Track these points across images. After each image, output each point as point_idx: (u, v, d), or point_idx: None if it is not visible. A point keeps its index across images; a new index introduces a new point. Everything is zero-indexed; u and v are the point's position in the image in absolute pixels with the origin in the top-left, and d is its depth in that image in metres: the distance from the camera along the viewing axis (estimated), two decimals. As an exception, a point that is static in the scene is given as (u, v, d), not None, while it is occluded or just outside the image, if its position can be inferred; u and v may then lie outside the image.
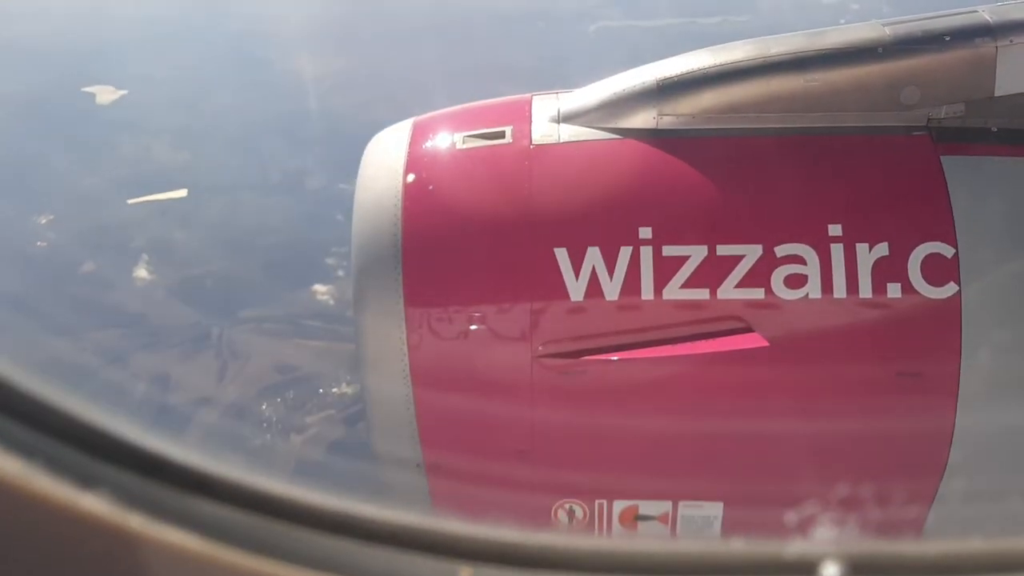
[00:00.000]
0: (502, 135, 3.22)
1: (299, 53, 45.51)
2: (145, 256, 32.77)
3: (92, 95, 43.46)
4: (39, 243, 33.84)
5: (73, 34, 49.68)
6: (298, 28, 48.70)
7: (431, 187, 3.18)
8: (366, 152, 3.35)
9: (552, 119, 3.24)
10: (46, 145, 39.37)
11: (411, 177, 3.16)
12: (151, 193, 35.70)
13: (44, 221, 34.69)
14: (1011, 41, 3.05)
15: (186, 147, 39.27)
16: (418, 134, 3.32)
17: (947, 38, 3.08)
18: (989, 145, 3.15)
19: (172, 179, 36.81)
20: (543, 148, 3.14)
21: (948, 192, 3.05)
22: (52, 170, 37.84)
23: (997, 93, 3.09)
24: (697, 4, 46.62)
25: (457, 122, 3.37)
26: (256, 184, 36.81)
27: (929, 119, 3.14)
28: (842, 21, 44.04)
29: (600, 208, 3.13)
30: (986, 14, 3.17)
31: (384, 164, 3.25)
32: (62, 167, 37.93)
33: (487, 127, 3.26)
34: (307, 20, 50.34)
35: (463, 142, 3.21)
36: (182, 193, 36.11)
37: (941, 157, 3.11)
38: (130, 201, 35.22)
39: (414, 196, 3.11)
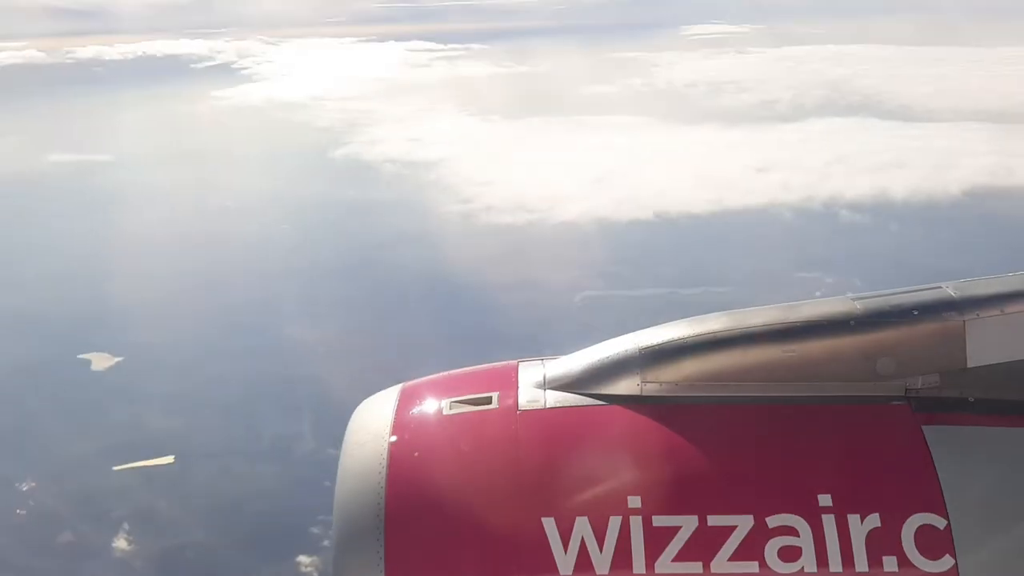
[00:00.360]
0: (488, 401, 3.21)
1: (294, 319, 47.56)
2: (126, 525, 32.11)
3: (88, 361, 44.26)
4: (18, 511, 33.19)
5: (73, 301, 51.52)
6: (292, 294, 51.14)
7: (416, 454, 3.12)
8: (353, 418, 3.32)
9: (538, 385, 3.26)
10: (38, 411, 39.81)
11: (397, 443, 3.12)
12: (138, 460, 35.69)
13: (26, 488, 34.25)
14: (977, 315, 3.15)
15: (178, 413, 39.32)
16: (405, 400, 3.29)
17: (915, 312, 3.19)
18: (968, 415, 3.20)
19: (161, 445, 36.71)
20: (529, 414, 3.16)
21: (933, 462, 3.06)
22: (41, 436, 37.84)
23: (970, 364, 3.17)
24: (678, 275, 49.86)
25: (444, 388, 3.35)
26: (245, 450, 36.85)
27: (907, 389, 3.21)
28: (817, 294, 47.07)
29: (588, 476, 3.05)
30: (950, 290, 3.26)
31: (370, 430, 3.21)
32: (51, 433, 37.90)
33: (474, 393, 3.25)
34: (301, 286, 53.27)
35: (450, 408, 3.21)
36: (169, 459, 36.08)
37: (922, 427, 3.14)
38: (116, 468, 35.06)
39: (399, 463, 3.08)
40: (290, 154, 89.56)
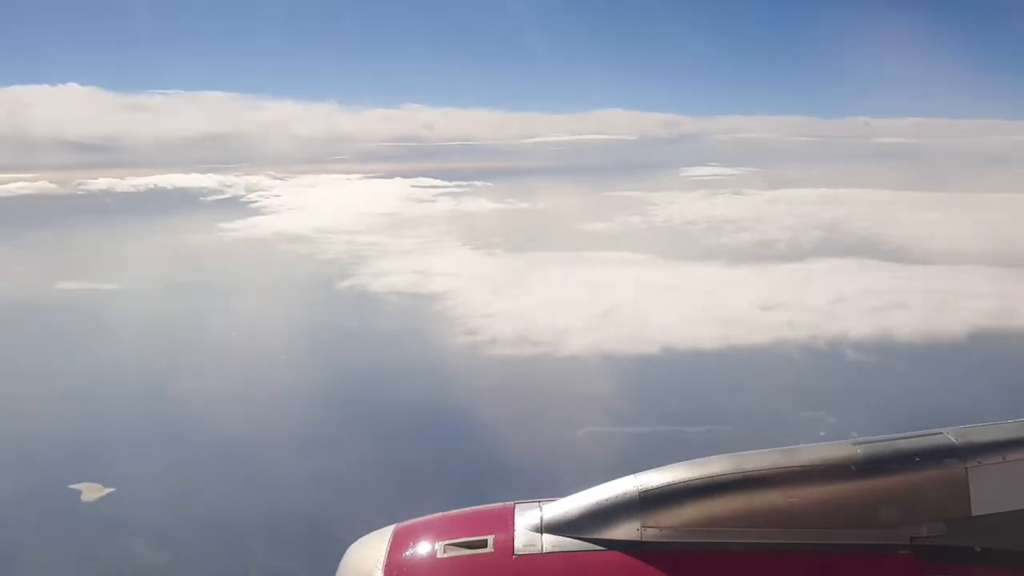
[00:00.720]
0: (484, 544, 3.11)
1: (290, 451, 46.46)
2: None
3: (79, 492, 43.09)
4: None
5: (68, 428, 50.57)
6: (290, 426, 50.14)
7: None
8: (343, 560, 3.26)
9: (535, 528, 3.17)
10: (26, 542, 38.26)
11: None
12: None
13: None
14: (979, 462, 3.10)
15: (168, 547, 37.98)
16: (398, 541, 3.21)
17: (917, 458, 3.13)
18: (975, 566, 3.11)
19: None
20: (526, 559, 3.06)
21: None
22: (28, 569, 36.57)
23: (975, 513, 3.10)
24: (682, 412, 49.41)
25: (438, 530, 3.24)
26: None
27: (912, 538, 3.13)
28: (821, 434, 47.06)
29: None
30: (951, 436, 3.22)
31: (361, 573, 3.14)
32: (39, 566, 36.60)
33: (469, 535, 3.15)
34: (300, 417, 52.44)
35: (444, 550, 3.11)
36: None
37: None
38: None
39: None
40: (296, 285, 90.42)
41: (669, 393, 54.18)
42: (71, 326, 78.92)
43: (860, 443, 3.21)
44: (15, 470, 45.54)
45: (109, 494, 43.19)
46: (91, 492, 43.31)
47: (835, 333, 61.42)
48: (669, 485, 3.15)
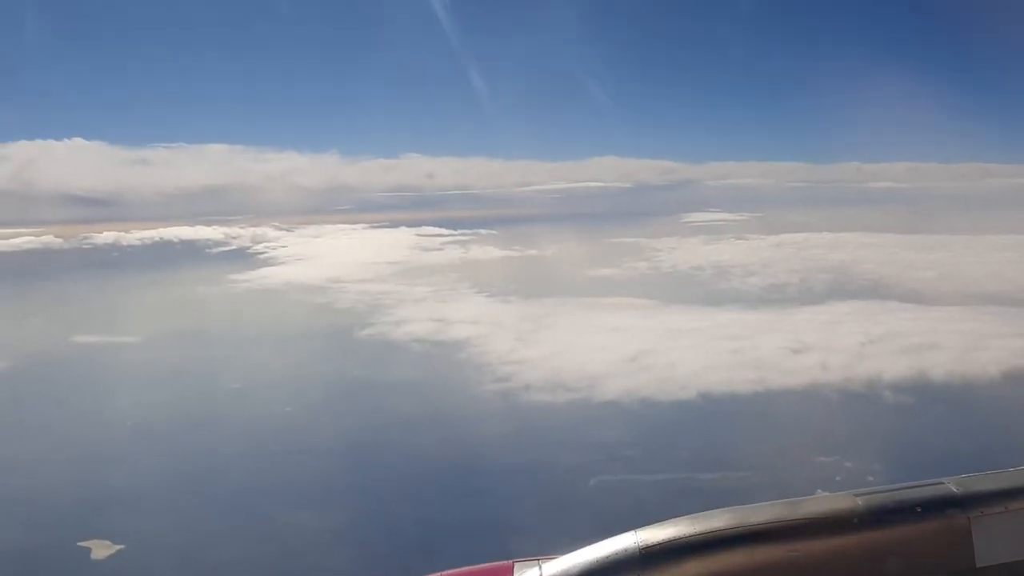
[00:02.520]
0: None
1: (306, 503, 45.80)
2: None
3: (88, 549, 42.48)
4: None
5: (77, 483, 49.71)
6: (308, 477, 49.42)
7: None
8: None
9: None
10: None
11: None
12: None
13: None
14: (982, 512, 3.08)
15: None
16: None
17: (919, 509, 3.10)
18: None
19: None
20: None
21: None
22: None
23: (979, 564, 3.08)
24: (695, 460, 49.18)
25: None
26: None
27: None
28: (837, 479, 46.92)
29: None
30: (952, 486, 3.19)
31: None
32: None
33: None
34: (321, 467, 51.67)
35: None
36: None
37: None
38: None
39: None
40: (316, 335, 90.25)
41: (687, 439, 53.98)
42: (91, 379, 78.43)
43: (861, 494, 3.19)
44: (23, 525, 44.86)
45: (119, 551, 42.55)
46: (101, 550, 42.65)
47: (870, 375, 61.54)
48: (670, 541, 3.10)
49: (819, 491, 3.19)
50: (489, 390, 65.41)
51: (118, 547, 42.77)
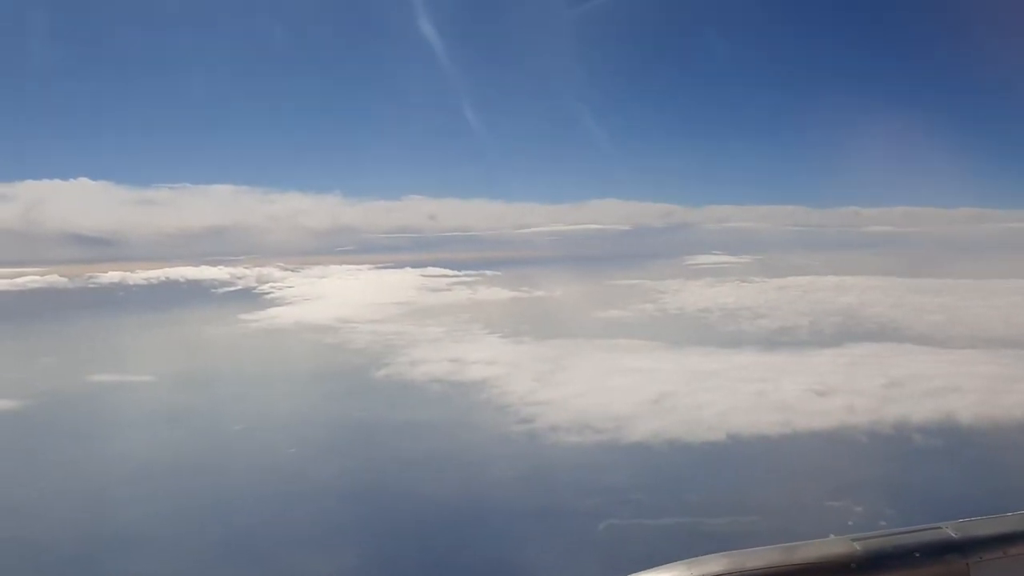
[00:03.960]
0: None
1: (303, 547, 44.87)
2: None
3: None
4: None
5: (75, 528, 47.98)
6: (296, 523, 48.78)
7: None
8: None
9: None
10: None
11: None
12: None
13: None
14: (980, 558, 3.06)
15: None
16: None
17: (917, 554, 3.09)
18: None
19: None
20: None
21: None
22: None
23: None
24: (704, 504, 48.77)
25: None
26: None
27: None
28: (850, 524, 46.59)
29: None
30: (950, 530, 3.18)
31: None
32: None
33: None
34: (344, 508, 51.54)
35: None
36: None
37: None
38: None
39: None
40: (331, 375, 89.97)
41: (724, 481, 53.66)
42: (105, 418, 77.73)
43: (859, 539, 3.17)
44: (31, 567, 44.33)
45: None
46: None
47: (896, 418, 61.43)
48: None
49: (831, 536, 3.13)
50: (514, 431, 65.10)
51: None
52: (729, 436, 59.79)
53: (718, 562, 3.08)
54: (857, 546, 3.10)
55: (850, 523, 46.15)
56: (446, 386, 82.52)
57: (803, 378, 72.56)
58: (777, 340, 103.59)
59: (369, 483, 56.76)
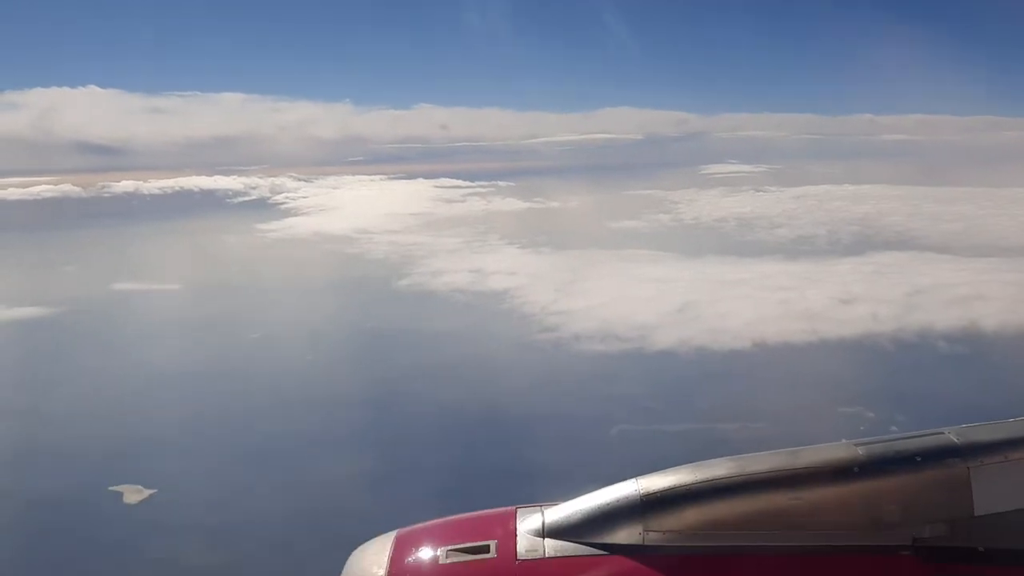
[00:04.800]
0: (487, 549, 3.12)
1: (326, 452, 46.32)
2: None
3: (119, 494, 43.15)
4: None
5: (104, 431, 50.64)
6: (319, 431, 49.99)
7: None
8: (347, 565, 3.23)
9: (536, 533, 3.17)
10: (72, 545, 38.19)
11: None
12: None
13: None
14: (981, 462, 3.08)
15: (218, 548, 37.73)
16: (400, 547, 3.20)
17: (918, 459, 3.11)
18: (978, 567, 3.10)
19: None
20: (528, 563, 3.06)
21: None
22: (76, 572, 36.40)
23: (977, 513, 3.08)
24: (714, 410, 49.42)
25: (441, 535, 3.24)
26: None
27: (914, 538, 3.12)
28: (861, 428, 47.20)
29: None
30: (952, 436, 3.20)
31: None
32: (87, 569, 36.53)
33: (471, 541, 3.16)
34: (329, 424, 52.03)
35: (446, 556, 3.11)
36: None
37: None
38: None
39: None
40: (353, 285, 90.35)
41: (740, 389, 53.85)
42: (131, 326, 78.59)
43: (862, 444, 3.22)
44: (54, 472, 45.59)
45: (151, 496, 43.14)
46: (132, 494, 43.28)
47: (922, 325, 61.71)
48: (671, 489, 3.15)
49: (843, 440, 3.18)
50: (538, 340, 65.65)
51: (150, 492, 43.46)
52: (755, 344, 60.21)
53: (723, 466, 3.17)
54: (859, 450, 3.16)
55: (862, 428, 46.74)
56: (468, 296, 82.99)
57: (827, 287, 72.61)
58: (796, 249, 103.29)
59: (392, 390, 57.42)
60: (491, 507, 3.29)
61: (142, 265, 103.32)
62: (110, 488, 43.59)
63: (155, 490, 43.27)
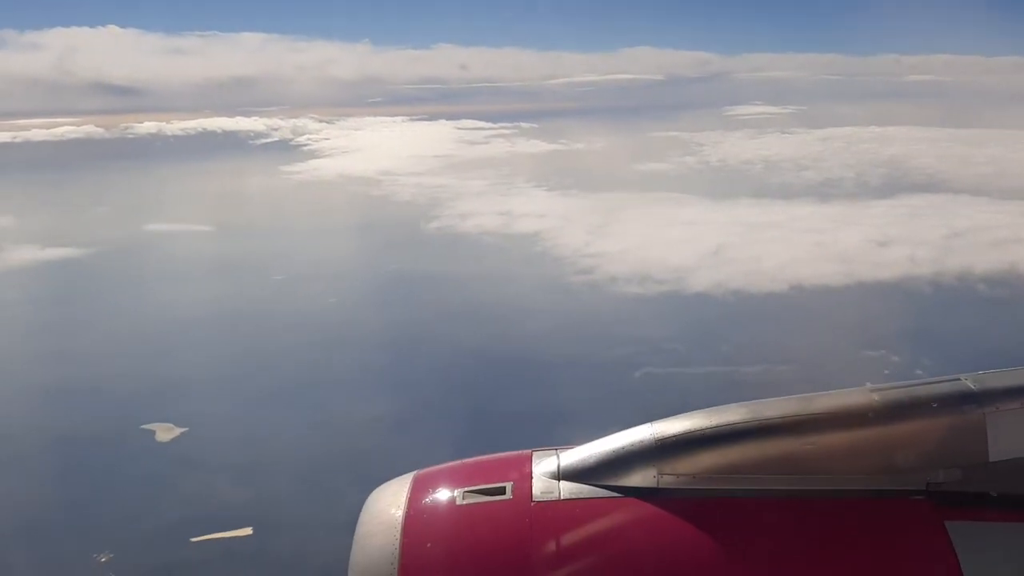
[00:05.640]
0: (502, 491, 3.14)
1: (350, 395, 47.02)
2: None
3: (152, 432, 43.99)
4: None
5: (135, 370, 51.66)
6: (346, 372, 50.78)
7: (429, 545, 3.04)
8: (365, 507, 3.25)
9: (552, 476, 3.19)
10: (106, 481, 39.23)
11: (408, 535, 3.04)
12: (215, 531, 35.14)
13: (104, 559, 33.34)
14: (997, 408, 3.07)
15: (248, 484, 38.55)
16: (417, 489, 3.21)
17: (934, 404, 3.09)
18: (991, 511, 3.09)
19: (236, 517, 35.96)
20: (544, 505, 3.08)
21: (958, 560, 2.96)
22: (111, 507, 37.07)
23: (991, 459, 3.06)
24: (740, 353, 49.49)
25: (457, 477, 3.25)
26: (325, 522, 34.56)
27: (928, 483, 3.10)
28: (886, 372, 47.10)
29: (604, 570, 2.96)
30: (969, 382, 3.16)
31: (382, 520, 3.13)
32: (122, 504, 37.32)
33: (487, 482, 3.18)
34: (356, 365, 52.37)
35: (463, 498, 3.12)
36: (247, 531, 35.54)
37: (945, 523, 3.03)
38: (193, 539, 34.54)
39: (411, 556, 3.00)
40: (383, 227, 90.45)
41: (786, 329, 53.74)
42: (165, 267, 79.03)
43: (877, 389, 3.15)
44: (86, 410, 46.47)
45: (183, 433, 43.90)
46: (164, 432, 44.08)
47: (961, 268, 61.37)
48: (685, 433, 3.13)
49: (867, 384, 3.11)
50: (574, 282, 65.78)
51: (181, 430, 44.22)
52: (792, 287, 60.14)
53: (736, 411, 3.16)
54: (874, 396, 3.12)
55: (886, 372, 46.81)
56: (499, 238, 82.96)
57: (861, 229, 72.17)
58: (825, 192, 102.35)
59: (423, 332, 57.72)
60: (512, 449, 3.30)
61: (173, 206, 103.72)
62: (142, 426, 44.55)
63: (186, 428, 44.15)
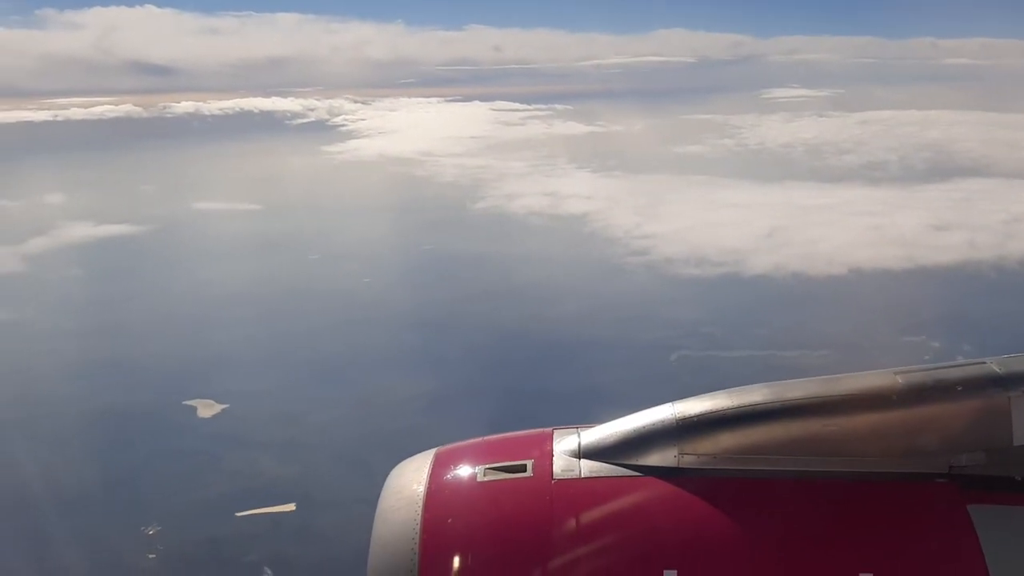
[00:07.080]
0: (523, 468, 3.15)
1: (389, 374, 46.98)
2: (268, 571, 31.79)
3: (193, 408, 44.60)
4: (149, 555, 32.59)
5: (177, 347, 52.40)
6: (381, 350, 50.91)
7: (450, 521, 3.05)
8: (387, 482, 3.24)
9: (572, 454, 3.18)
10: (150, 456, 39.86)
11: (430, 510, 3.05)
12: (259, 506, 35.62)
13: (151, 532, 33.81)
14: (1022, 392, 3.03)
15: (291, 461, 39.03)
16: (439, 465, 3.23)
17: (959, 388, 3.05)
18: (1015, 495, 3.07)
19: (280, 492, 36.45)
20: (564, 483, 3.08)
21: (980, 543, 2.95)
22: (156, 481, 37.70)
23: (1016, 443, 3.03)
24: (775, 338, 49.08)
25: (479, 453, 3.26)
26: (369, 498, 36.18)
27: (951, 466, 3.09)
28: (926, 358, 46.37)
29: (623, 549, 2.97)
30: (994, 365, 3.13)
31: (404, 495, 3.14)
32: (166, 478, 37.89)
33: (508, 460, 3.19)
34: (393, 341, 52.41)
35: (484, 474, 3.13)
36: (291, 507, 36.01)
37: (968, 506, 3.00)
38: (238, 514, 35.05)
39: (432, 531, 3.01)
40: (430, 207, 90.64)
41: (842, 313, 53.23)
42: (217, 245, 79.58)
43: (902, 372, 3.12)
44: (130, 386, 47.01)
45: (224, 410, 44.37)
46: (206, 409, 44.54)
47: (1022, 253, 60.69)
48: (707, 413, 3.12)
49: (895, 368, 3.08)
50: (629, 263, 65.74)
51: (223, 406, 44.73)
52: (851, 270, 59.78)
53: (759, 392, 3.18)
54: (899, 379, 3.10)
55: (926, 357, 46.36)
56: (547, 219, 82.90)
57: (916, 213, 71.49)
58: (871, 176, 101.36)
59: (468, 312, 57.65)
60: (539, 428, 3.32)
61: (218, 185, 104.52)
62: (184, 402, 45.17)
63: (227, 405, 44.68)
